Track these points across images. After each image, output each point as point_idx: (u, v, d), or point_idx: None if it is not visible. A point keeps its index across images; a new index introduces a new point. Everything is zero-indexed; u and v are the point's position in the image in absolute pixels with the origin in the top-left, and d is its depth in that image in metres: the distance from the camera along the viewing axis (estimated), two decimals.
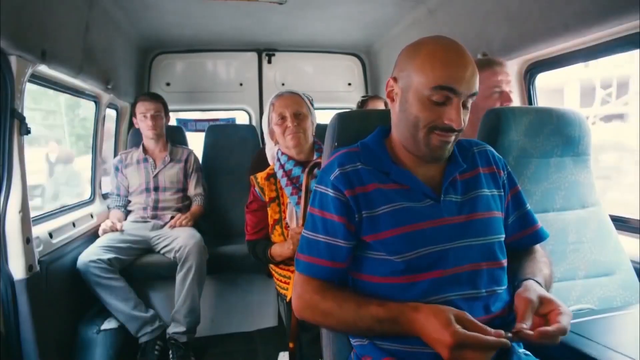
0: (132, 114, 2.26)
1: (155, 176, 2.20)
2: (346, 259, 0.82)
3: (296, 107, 1.43)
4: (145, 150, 2.24)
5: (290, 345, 1.34)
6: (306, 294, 0.82)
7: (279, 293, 1.55)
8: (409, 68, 0.78)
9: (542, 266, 0.85)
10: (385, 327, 0.73)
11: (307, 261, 0.83)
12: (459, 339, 0.63)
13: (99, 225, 2.04)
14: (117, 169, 2.22)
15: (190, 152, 2.34)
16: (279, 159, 1.46)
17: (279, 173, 1.43)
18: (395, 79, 0.81)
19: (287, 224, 1.42)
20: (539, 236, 0.91)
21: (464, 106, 0.77)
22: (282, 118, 1.42)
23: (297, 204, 1.38)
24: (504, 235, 0.85)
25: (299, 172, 1.41)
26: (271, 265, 1.52)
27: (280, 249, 1.39)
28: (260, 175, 1.48)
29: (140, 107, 2.17)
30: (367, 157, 0.84)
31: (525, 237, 0.90)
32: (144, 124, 2.18)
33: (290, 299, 1.39)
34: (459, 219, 0.80)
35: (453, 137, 0.78)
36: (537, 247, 0.92)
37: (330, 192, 0.82)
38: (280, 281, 1.49)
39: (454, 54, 0.76)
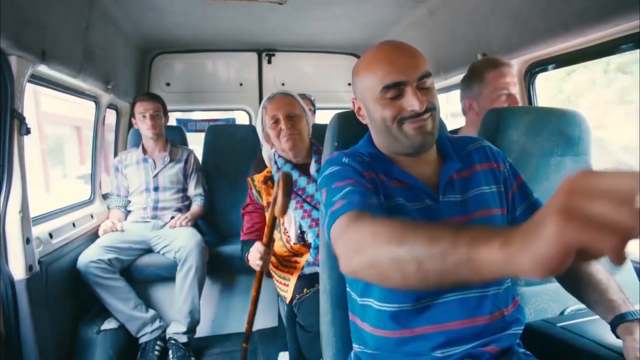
0: (131, 114, 2.26)
1: (155, 176, 2.20)
2: (383, 209, 0.74)
3: (289, 108, 1.39)
4: (144, 151, 2.24)
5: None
6: (341, 226, 0.65)
7: (279, 294, 1.55)
8: (358, 82, 0.83)
9: (612, 284, 0.81)
10: (460, 246, 0.45)
11: (346, 201, 0.69)
12: (582, 181, 0.36)
13: (99, 225, 2.04)
14: (117, 169, 2.22)
15: (190, 152, 2.34)
16: (275, 162, 1.43)
17: (277, 176, 1.41)
18: (355, 98, 0.87)
19: (285, 229, 1.40)
20: None
21: (422, 88, 0.77)
22: (276, 121, 1.38)
23: (296, 209, 1.36)
24: None
25: (296, 175, 1.39)
26: (271, 267, 1.51)
27: (252, 258, 1.31)
28: (257, 178, 1.45)
29: (139, 107, 2.17)
30: (366, 156, 0.84)
31: None
32: (143, 124, 2.17)
33: (291, 301, 1.38)
34: (458, 220, 0.80)
35: (427, 121, 0.77)
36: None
37: (348, 167, 0.79)
38: (280, 283, 1.47)
39: (385, 51, 0.80)
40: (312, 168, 1.39)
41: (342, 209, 0.67)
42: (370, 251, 0.54)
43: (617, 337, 0.74)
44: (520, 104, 1.36)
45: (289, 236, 1.39)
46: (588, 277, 0.82)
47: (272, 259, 1.48)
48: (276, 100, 1.41)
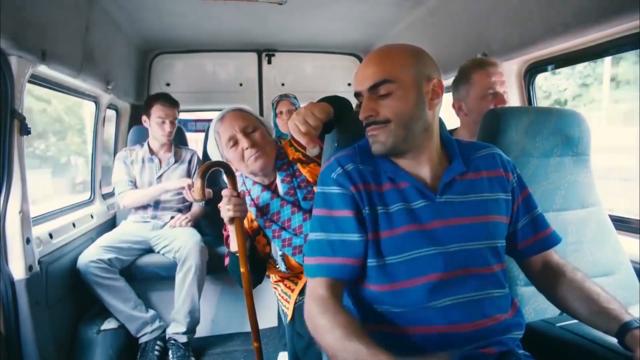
0: (146, 113, 2.16)
1: (159, 177, 2.19)
2: (362, 254, 0.80)
3: (242, 122, 1.23)
4: (151, 151, 2.22)
5: None
6: (318, 299, 0.77)
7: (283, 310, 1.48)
8: None
9: (608, 296, 0.80)
10: None
11: (319, 262, 0.79)
12: None
13: (99, 225, 2.04)
14: (124, 163, 2.16)
15: (194, 153, 2.32)
16: (244, 183, 1.30)
17: (247, 201, 1.27)
18: None
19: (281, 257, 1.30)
20: (552, 240, 0.88)
21: (376, 96, 0.80)
22: (235, 143, 1.22)
23: (274, 237, 1.24)
24: (500, 241, 0.83)
25: (268, 198, 1.25)
26: (273, 281, 1.43)
27: (222, 209, 1.20)
28: None
29: (159, 112, 2.12)
30: (363, 158, 0.84)
31: (538, 241, 0.88)
32: (160, 128, 2.13)
33: (291, 320, 1.34)
34: (453, 222, 0.80)
35: (377, 132, 0.80)
36: (576, 271, 0.86)
37: (334, 189, 0.81)
38: (283, 299, 1.39)
39: (365, 61, 0.83)
40: (280, 187, 1.26)
41: (317, 271, 0.79)
42: (328, 343, 0.72)
43: (626, 347, 0.72)
44: (509, 103, 1.36)
45: (285, 265, 1.30)
46: (581, 288, 0.81)
47: (274, 276, 1.42)
48: (225, 118, 1.25)
